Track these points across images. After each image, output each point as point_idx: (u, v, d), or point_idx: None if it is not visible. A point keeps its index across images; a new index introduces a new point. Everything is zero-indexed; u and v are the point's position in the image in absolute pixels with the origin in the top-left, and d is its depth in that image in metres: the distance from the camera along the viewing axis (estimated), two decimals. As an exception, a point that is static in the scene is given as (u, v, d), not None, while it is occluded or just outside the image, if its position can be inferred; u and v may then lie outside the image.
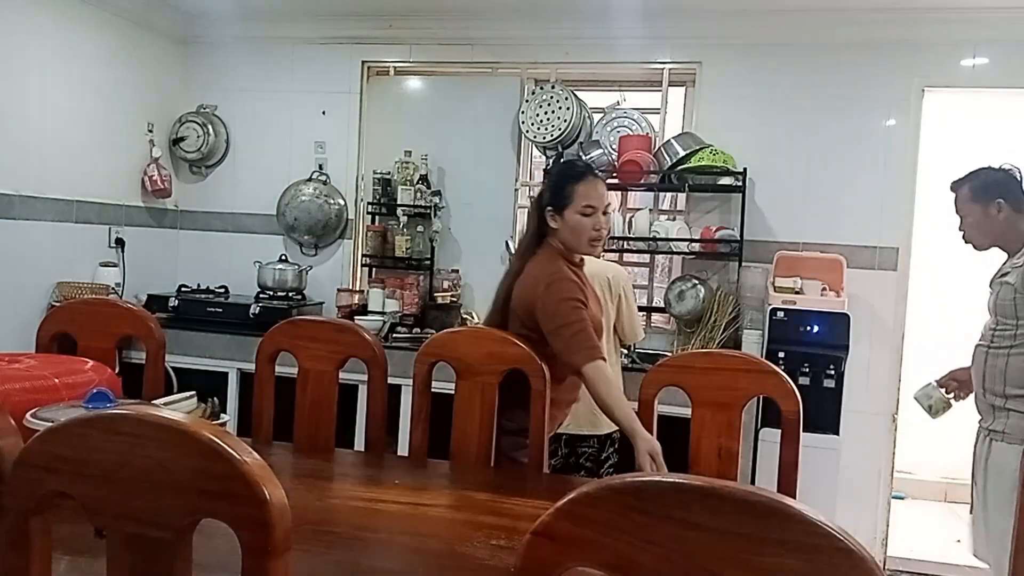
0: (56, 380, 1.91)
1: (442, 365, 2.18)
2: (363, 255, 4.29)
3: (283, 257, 4.12)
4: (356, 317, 3.78)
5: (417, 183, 4.03)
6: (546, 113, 3.88)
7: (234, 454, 0.78)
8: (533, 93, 3.98)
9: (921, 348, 4.10)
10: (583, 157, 3.77)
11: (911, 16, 3.55)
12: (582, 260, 2.31)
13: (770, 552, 0.68)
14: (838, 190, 3.74)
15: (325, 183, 4.27)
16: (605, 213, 2.19)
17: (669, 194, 4.08)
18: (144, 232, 4.26)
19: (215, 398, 1.95)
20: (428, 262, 4.10)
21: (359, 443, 3.21)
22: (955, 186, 2.57)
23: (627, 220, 3.76)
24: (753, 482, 3.28)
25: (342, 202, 4.28)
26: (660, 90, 4.04)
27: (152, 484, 0.82)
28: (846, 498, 3.62)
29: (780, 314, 3.36)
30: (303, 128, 4.30)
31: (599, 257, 2.29)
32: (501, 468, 2.17)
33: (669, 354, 2.29)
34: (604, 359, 2.10)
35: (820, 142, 3.76)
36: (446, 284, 4.05)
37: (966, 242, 2.57)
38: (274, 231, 4.34)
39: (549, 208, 2.20)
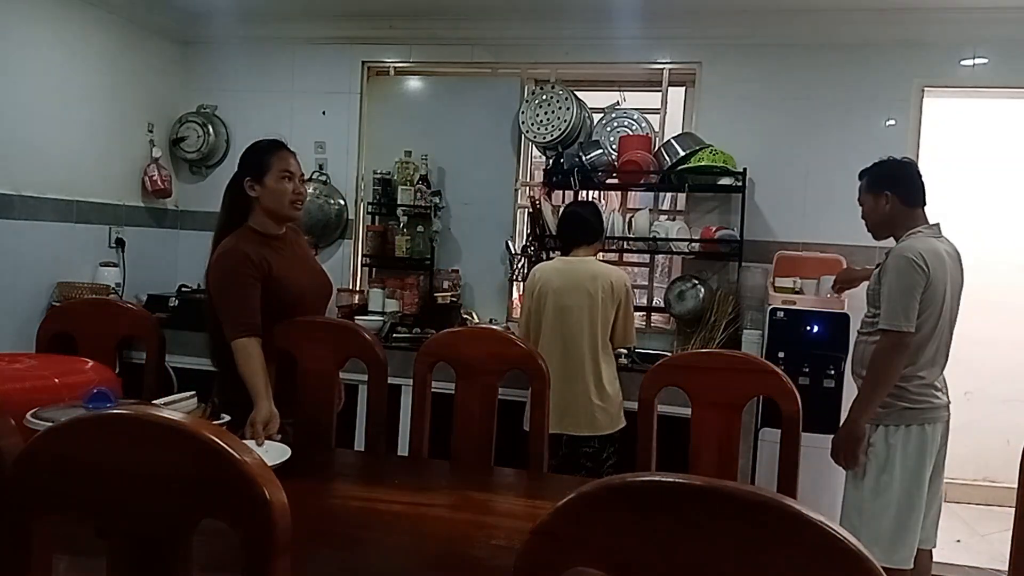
0: (56, 380, 1.92)
1: (442, 365, 2.18)
2: (363, 255, 4.29)
3: (283, 257, 4.12)
4: (356, 317, 3.78)
5: (417, 183, 4.03)
6: (546, 113, 3.88)
7: (234, 454, 0.78)
8: (533, 93, 3.98)
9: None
10: (583, 157, 3.77)
11: (911, 16, 3.55)
12: (284, 236, 2.36)
13: (770, 552, 0.68)
14: (838, 190, 3.73)
15: (325, 183, 4.27)
16: (302, 181, 2.35)
17: (669, 194, 4.08)
18: (144, 232, 4.26)
19: (215, 398, 1.95)
20: (428, 262, 4.09)
21: (359, 443, 3.21)
22: (860, 176, 2.71)
23: (627, 220, 3.76)
24: (753, 482, 3.28)
25: (342, 202, 4.28)
26: (660, 90, 4.04)
27: (152, 484, 0.82)
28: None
29: (780, 314, 3.36)
30: (303, 128, 4.30)
31: (299, 218, 2.40)
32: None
33: (669, 354, 2.29)
34: (253, 336, 2.14)
35: (820, 142, 3.76)
36: (446, 284, 4.05)
37: (868, 231, 2.71)
38: (274, 231, 4.33)
39: (248, 179, 2.29)
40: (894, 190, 2.58)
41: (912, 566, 2.52)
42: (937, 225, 2.60)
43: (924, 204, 2.61)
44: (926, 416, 2.51)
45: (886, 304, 2.47)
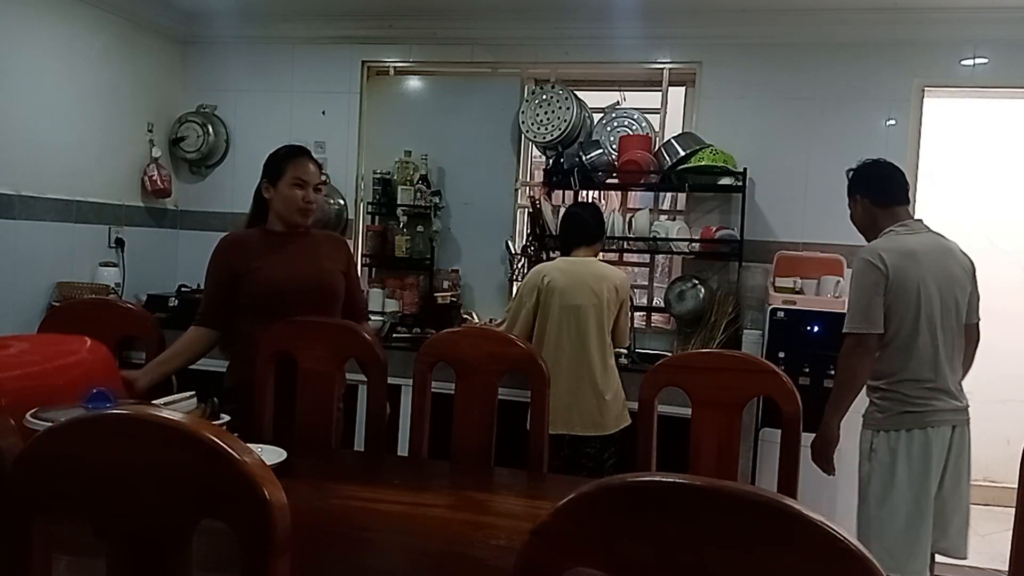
0: (49, 364, 1.86)
1: (442, 365, 2.18)
2: (363, 255, 4.29)
3: (283, 257, 4.12)
4: (356, 317, 3.78)
5: (417, 183, 4.03)
6: (546, 113, 3.88)
7: (234, 454, 0.78)
8: (533, 93, 3.98)
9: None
10: (583, 157, 3.77)
11: (911, 16, 3.55)
12: (294, 235, 2.40)
13: (770, 552, 0.68)
14: (838, 190, 3.70)
15: (325, 183, 4.24)
16: (316, 190, 2.39)
17: (669, 194, 4.08)
18: (144, 232, 4.26)
19: (215, 398, 1.95)
20: (428, 262, 4.09)
21: (359, 443, 3.21)
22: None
23: (627, 220, 3.76)
24: (753, 482, 3.28)
25: (342, 202, 4.27)
26: (660, 90, 4.04)
27: (152, 484, 0.82)
28: (846, 498, 3.61)
29: (780, 314, 3.36)
30: (303, 128, 4.30)
31: (307, 225, 2.43)
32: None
33: (669, 354, 2.29)
34: (199, 325, 2.38)
35: (820, 142, 3.76)
36: (446, 284, 4.05)
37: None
38: (274, 231, 4.33)
39: (265, 180, 2.38)
40: (863, 192, 2.58)
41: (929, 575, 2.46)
42: (917, 221, 2.54)
43: (901, 202, 2.56)
44: (928, 420, 2.43)
45: (848, 307, 2.47)
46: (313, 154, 2.48)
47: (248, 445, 0.81)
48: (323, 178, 2.46)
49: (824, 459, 2.57)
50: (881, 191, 2.56)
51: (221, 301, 2.37)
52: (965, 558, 2.53)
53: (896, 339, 2.45)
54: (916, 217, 2.57)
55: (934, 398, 2.45)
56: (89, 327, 2.50)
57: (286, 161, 2.37)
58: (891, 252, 2.45)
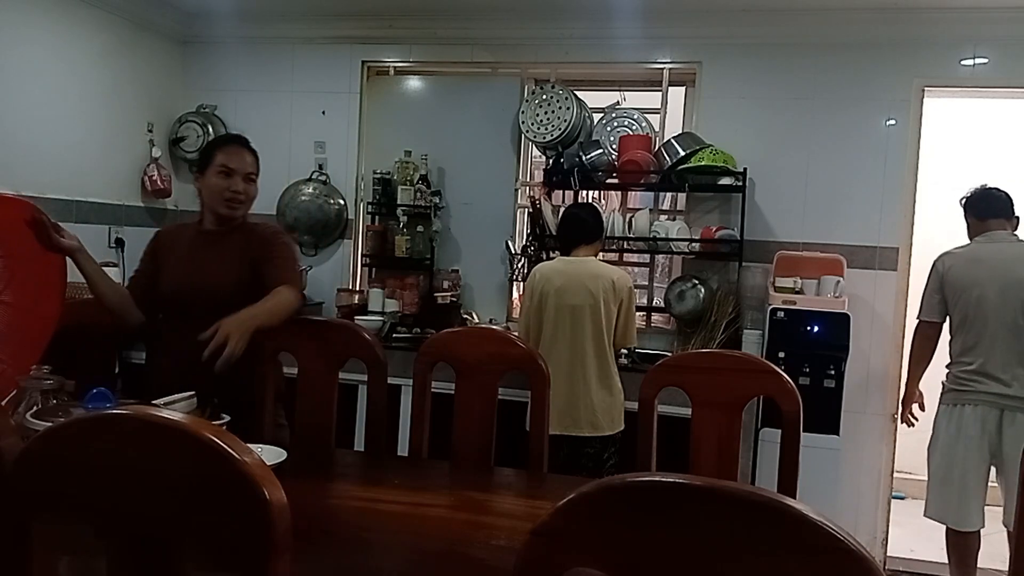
0: None
1: (442, 365, 2.18)
2: (363, 255, 4.29)
3: (283, 257, 4.11)
4: (356, 317, 3.78)
5: (417, 183, 4.03)
6: (546, 113, 3.88)
7: (234, 454, 0.78)
8: (533, 93, 3.98)
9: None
10: (583, 157, 3.76)
11: (911, 16, 3.55)
12: (220, 233, 2.27)
13: (770, 552, 0.68)
14: (838, 190, 3.74)
15: (325, 183, 4.26)
16: (248, 181, 2.23)
17: (669, 194, 4.08)
18: (144, 232, 4.24)
19: (215, 398, 1.94)
20: (428, 262, 4.09)
21: (359, 443, 3.21)
22: None
23: (627, 220, 3.76)
24: (753, 482, 3.28)
25: (342, 202, 4.28)
26: (660, 90, 4.03)
27: (152, 484, 0.82)
28: (846, 498, 3.62)
29: (780, 314, 3.36)
30: (303, 128, 4.30)
31: (240, 217, 2.27)
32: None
33: (669, 354, 2.29)
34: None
35: (820, 142, 3.76)
36: (446, 284, 4.05)
37: None
38: (274, 231, 4.33)
39: (195, 171, 2.28)
40: (965, 208, 3.07)
41: (945, 523, 2.96)
42: (1005, 233, 2.94)
43: (992, 216, 2.97)
44: (967, 398, 2.88)
45: None
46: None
47: (248, 445, 0.81)
48: (252, 172, 2.25)
49: (903, 413, 3.19)
50: (974, 207, 3.04)
51: (139, 280, 2.31)
52: (968, 528, 2.96)
53: (953, 329, 2.97)
54: (1013, 231, 2.98)
55: (973, 380, 2.87)
56: (89, 327, 2.51)
57: (215, 149, 2.24)
58: (954, 257, 2.97)
